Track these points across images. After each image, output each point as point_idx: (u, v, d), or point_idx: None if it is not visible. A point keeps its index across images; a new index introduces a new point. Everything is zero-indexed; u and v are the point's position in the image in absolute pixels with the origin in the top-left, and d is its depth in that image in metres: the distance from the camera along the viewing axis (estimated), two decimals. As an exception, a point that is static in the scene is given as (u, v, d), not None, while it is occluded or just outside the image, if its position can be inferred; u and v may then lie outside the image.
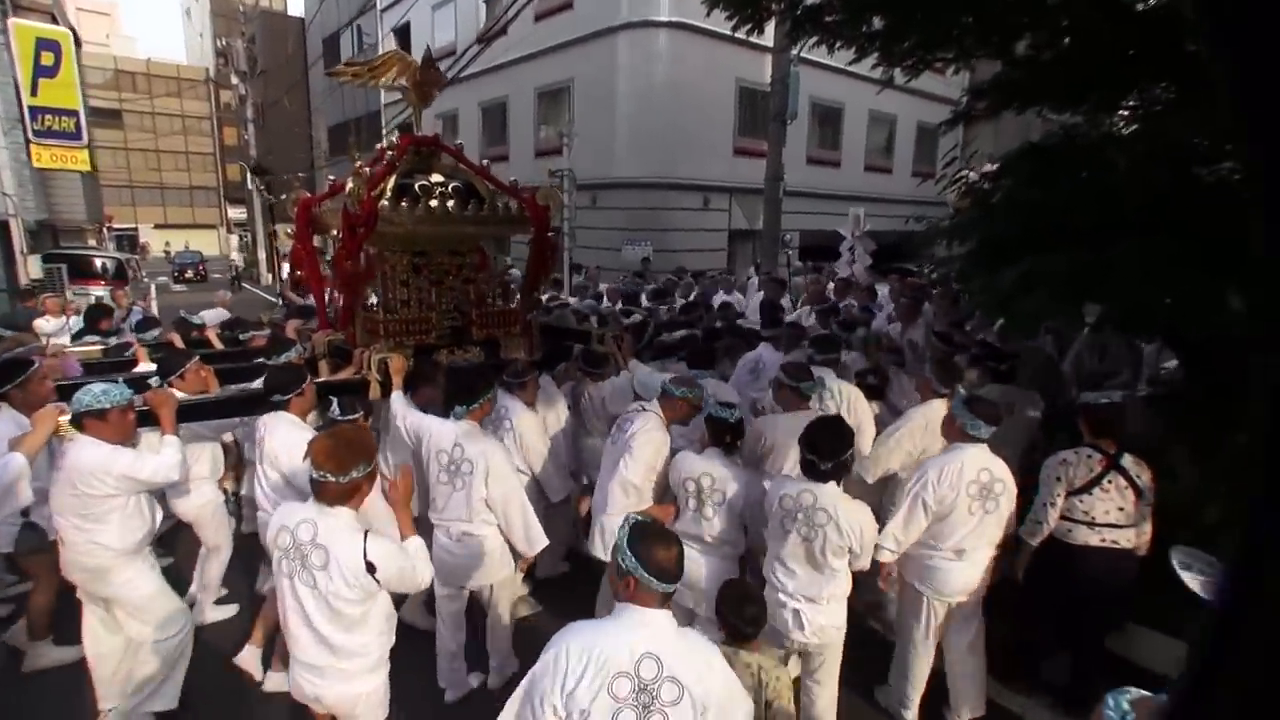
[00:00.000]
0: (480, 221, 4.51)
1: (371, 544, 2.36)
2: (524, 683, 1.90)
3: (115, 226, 37.21)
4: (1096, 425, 3.41)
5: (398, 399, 3.77)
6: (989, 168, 5.82)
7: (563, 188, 10.48)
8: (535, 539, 3.45)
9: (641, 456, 3.40)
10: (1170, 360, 5.07)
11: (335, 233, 4.34)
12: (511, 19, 9.87)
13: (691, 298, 8.86)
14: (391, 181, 4.28)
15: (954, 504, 3.12)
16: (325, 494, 2.38)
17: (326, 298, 4.65)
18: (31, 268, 12.50)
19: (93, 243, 24.29)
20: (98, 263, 15.20)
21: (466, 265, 4.80)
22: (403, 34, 20.90)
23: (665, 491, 3.55)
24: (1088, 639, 3.51)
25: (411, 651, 2.79)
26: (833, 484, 2.91)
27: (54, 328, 7.06)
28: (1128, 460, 3.32)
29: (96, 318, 6.97)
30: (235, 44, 25.86)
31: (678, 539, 2.00)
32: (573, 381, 4.87)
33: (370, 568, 2.34)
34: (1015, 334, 4.51)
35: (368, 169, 4.28)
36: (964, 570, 3.23)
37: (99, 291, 12.58)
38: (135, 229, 45.73)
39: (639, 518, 2.04)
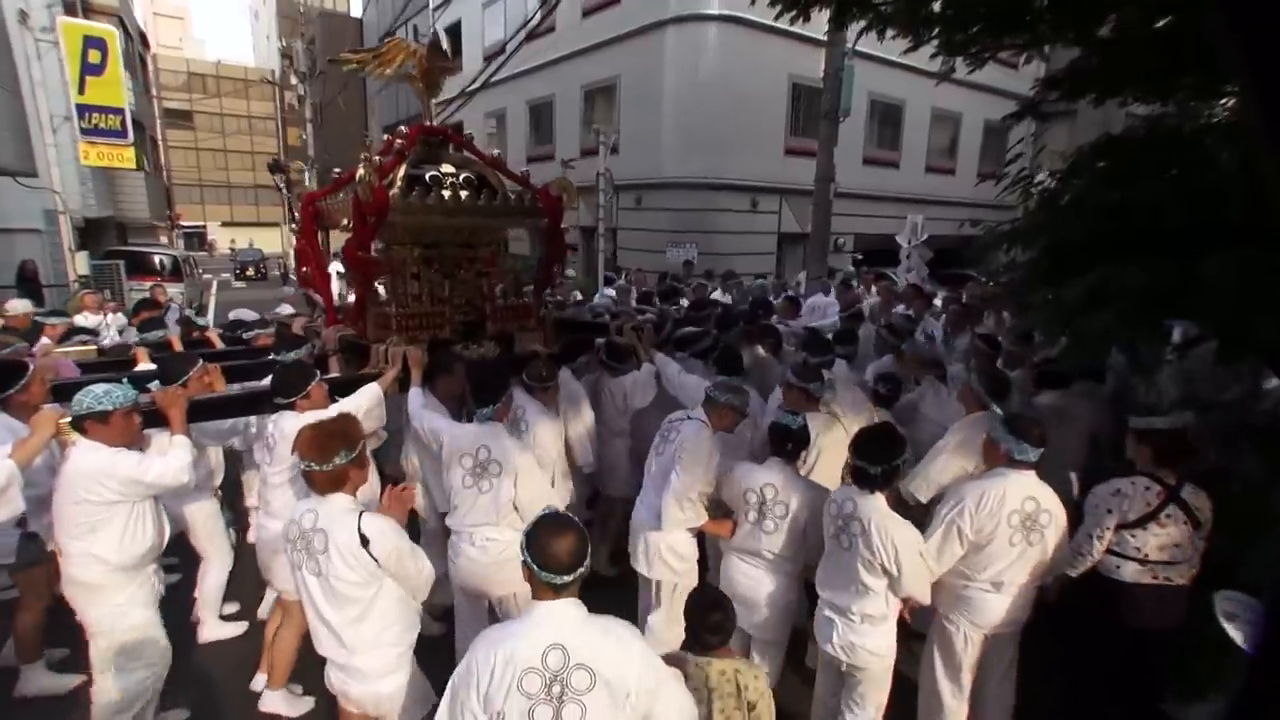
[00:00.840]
0: (492, 213, 4.27)
1: (366, 519, 2.42)
2: (448, 689, 1.94)
3: (184, 224, 38.66)
4: (1158, 453, 3.04)
5: (415, 395, 3.66)
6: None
7: (599, 187, 10.18)
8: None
9: (694, 468, 3.25)
10: (1270, 380, 4.44)
11: (346, 223, 4.13)
12: (552, 8, 9.58)
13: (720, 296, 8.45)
14: (401, 171, 4.07)
15: (993, 534, 2.85)
16: (315, 483, 2.47)
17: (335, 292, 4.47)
18: (79, 265, 12.79)
19: (164, 240, 25.13)
20: (155, 259, 15.54)
21: (479, 258, 4.55)
22: (453, 32, 20.98)
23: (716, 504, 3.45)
24: (1141, 694, 3.13)
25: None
26: (879, 496, 2.79)
27: (90, 325, 7.04)
28: (1188, 491, 2.97)
29: (139, 310, 7.07)
30: (295, 45, 26.41)
31: (576, 529, 1.94)
32: (592, 376, 4.65)
33: (364, 540, 2.37)
34: (1080, 356, 3.92)
35: (378, 158, 4.09)
36: (1001, 601, 2.97)
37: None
38: (204, 226, 47.51)
39: (548, 509, 2.02)
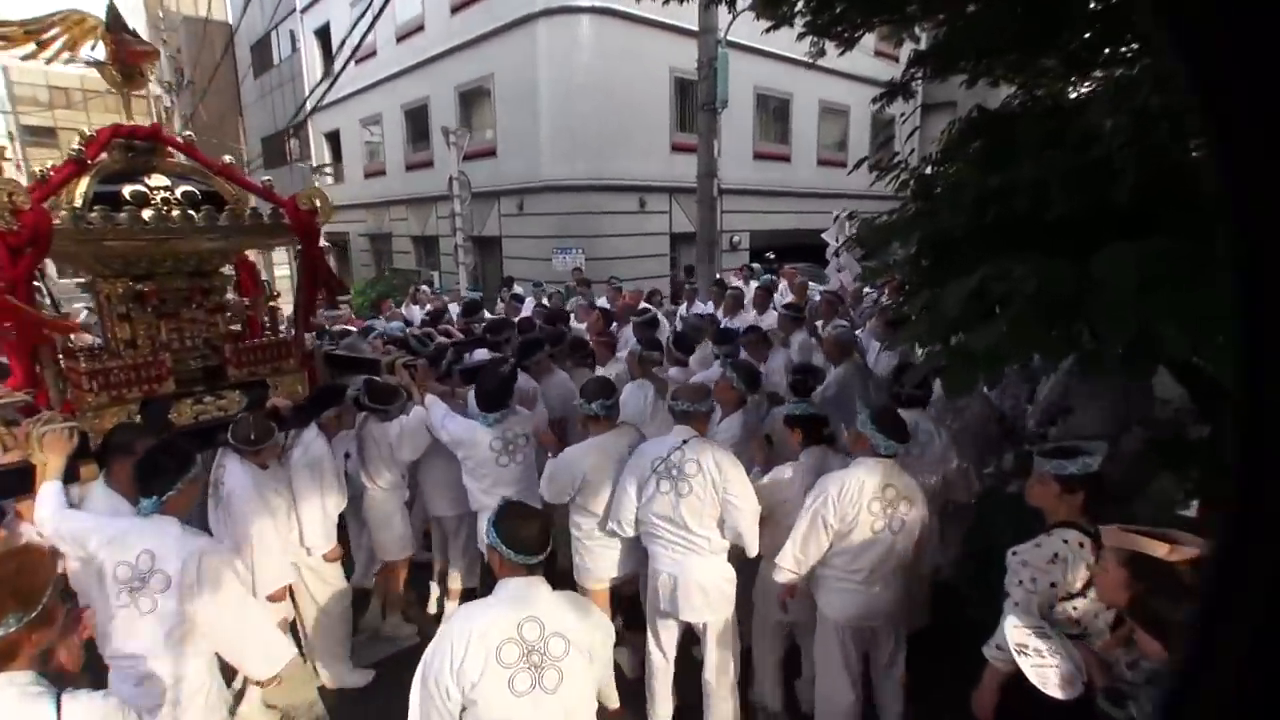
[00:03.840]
0: (222, 233, 3.42)
1: (69, 706, 1.66)
2: (419, 671, 1.98)
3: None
4: (1088, 500, 2.44)
5: (48, 495, 2.68)
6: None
7: (454, 193, 9.31)
8: (276, 656, 2.67)
9: (743, 478, 3.05)
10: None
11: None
12: (368, 31, 8.59)
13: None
14: (84, 185, 3.17)
15: (855, 521, 2.89)
16: None
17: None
18: None
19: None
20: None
21: (215, 289, 3.69)
22: (323, 34, 19.71)
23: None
24: None
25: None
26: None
27: None
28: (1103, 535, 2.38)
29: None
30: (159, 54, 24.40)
31: (540, 515, 2.16)
32: (355, 427, 3.89)
33: None
34: (965, 380, 3.09)
35: (41, 170, 3.26)
36: (869, 593, 2.99)
37: None
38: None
39: (507, 499, 2.23)
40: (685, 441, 3.05)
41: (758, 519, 3.05)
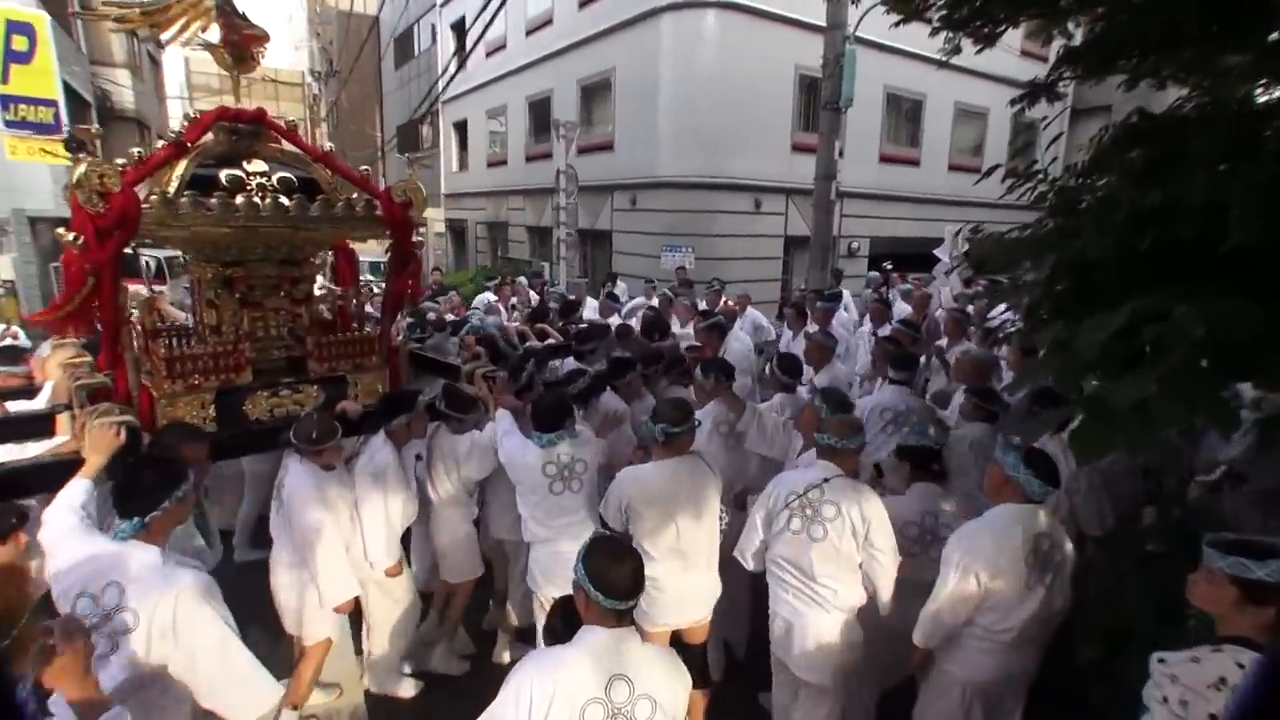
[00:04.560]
0: (312, 222, 3.37)
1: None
2: (489, 715, 1.87)
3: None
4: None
5: (65, 495, 2.39)
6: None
7: (559, 186, 9.22)
8: (263, 699, 2.26)
9: (888, 528, 2.81)
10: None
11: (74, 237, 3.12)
12: (490, 22, 8.62)
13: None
14: (181, 168, 3.19)
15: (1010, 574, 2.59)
16: None
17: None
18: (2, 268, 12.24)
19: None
20: (141, 261, 15.02)
21: (304, 278, 3.66)
22: (458, 28, 20.32)
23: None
24: None
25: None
26: None
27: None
28: None
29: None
30: (312, 46, 26.21)
31: (634, 555, 1.96)
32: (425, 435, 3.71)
33: None
34: (1102, 445, 2.28)
35: (133, 155, 3.22)
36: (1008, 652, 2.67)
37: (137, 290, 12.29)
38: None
39: (601, 532, 2.27)
40: (827, 480, 2.79)
41: (896, 572, 2.80)
